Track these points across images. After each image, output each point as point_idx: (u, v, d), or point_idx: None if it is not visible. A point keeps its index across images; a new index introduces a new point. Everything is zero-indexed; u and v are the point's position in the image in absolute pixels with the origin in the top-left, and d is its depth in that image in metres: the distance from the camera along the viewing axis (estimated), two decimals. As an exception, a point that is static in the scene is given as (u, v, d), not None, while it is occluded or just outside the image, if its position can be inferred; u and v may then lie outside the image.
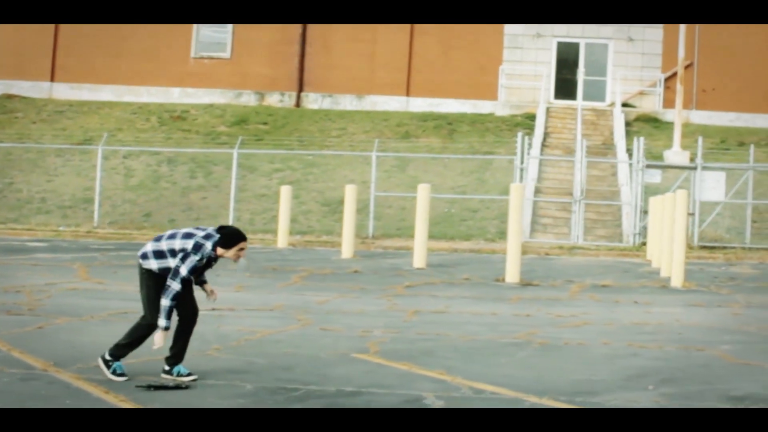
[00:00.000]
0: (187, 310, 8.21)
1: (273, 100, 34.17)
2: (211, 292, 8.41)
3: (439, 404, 7.64)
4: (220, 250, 7.94)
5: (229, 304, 12.75)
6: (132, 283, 14.99)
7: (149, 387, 7.90)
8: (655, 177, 22.68)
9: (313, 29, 34.32)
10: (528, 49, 33.84)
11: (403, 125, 31.13)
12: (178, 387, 7.95)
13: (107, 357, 8.11)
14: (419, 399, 7.84)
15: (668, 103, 32.70)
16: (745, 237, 22.75)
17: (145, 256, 8.19)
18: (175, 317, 8.13)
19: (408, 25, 33.92)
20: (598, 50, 33.84)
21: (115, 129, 30.43)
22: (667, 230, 17.23)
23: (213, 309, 12.54)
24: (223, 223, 23.92)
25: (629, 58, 33.64)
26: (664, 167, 23.51)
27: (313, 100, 34.11)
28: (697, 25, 33.22)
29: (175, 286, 7.83)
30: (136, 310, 12.22)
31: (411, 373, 8.90)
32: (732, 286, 16.47)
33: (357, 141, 28.95)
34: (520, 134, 23.41)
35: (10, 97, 33.65)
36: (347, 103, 33.86)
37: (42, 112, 32.22)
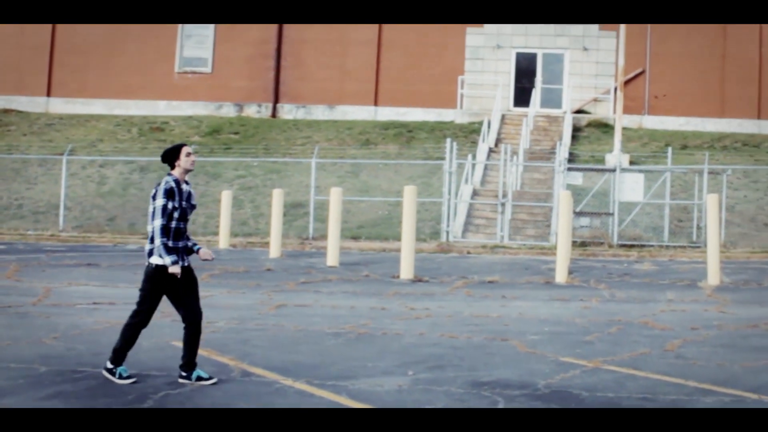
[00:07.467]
0: (190, 314, 8.20)
1: (251, 111, 34.74)
2: (206, 253, 8.35)
3: (195, 386, 8.09)
4: (176, 170, 8.06)
5: (113, 299, 13.23)
6: (44, 280, 15.59)
7: None
8: (577, 179, 22.93)
9: (287, 45, 34.89)
10: (488, 60, 34.14)
11: (365, 133, 31.57)
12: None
13: (109, 366, 8.16)
14: (176, 381, 8.26)
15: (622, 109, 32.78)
16: (663, 236, 22.91)
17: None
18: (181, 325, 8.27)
19: (375, 39, 34.37)
20: (555, 60, 34.07)
21: (97, 140, 31.13)
22: (562, 228, 17.51)
23: (94, 303, 13.10)
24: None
25: (584, 67, 33.83)
26: (585, 170, 23.74)
27: (288, 111, 34.65)
28: (648, 34, 33.37)
29: (157, 223, 7.88)
30: (16, 304, 12.80)
31: (204, 359, 9.33)
32: (613, 282, 16.69)
33: (322, 149, 29.37)
34: (449, 140, 23.73)
35: (7, 111, 34.49)
36: (319, 113, 34.36)
37: (34, 125, 33.00)
